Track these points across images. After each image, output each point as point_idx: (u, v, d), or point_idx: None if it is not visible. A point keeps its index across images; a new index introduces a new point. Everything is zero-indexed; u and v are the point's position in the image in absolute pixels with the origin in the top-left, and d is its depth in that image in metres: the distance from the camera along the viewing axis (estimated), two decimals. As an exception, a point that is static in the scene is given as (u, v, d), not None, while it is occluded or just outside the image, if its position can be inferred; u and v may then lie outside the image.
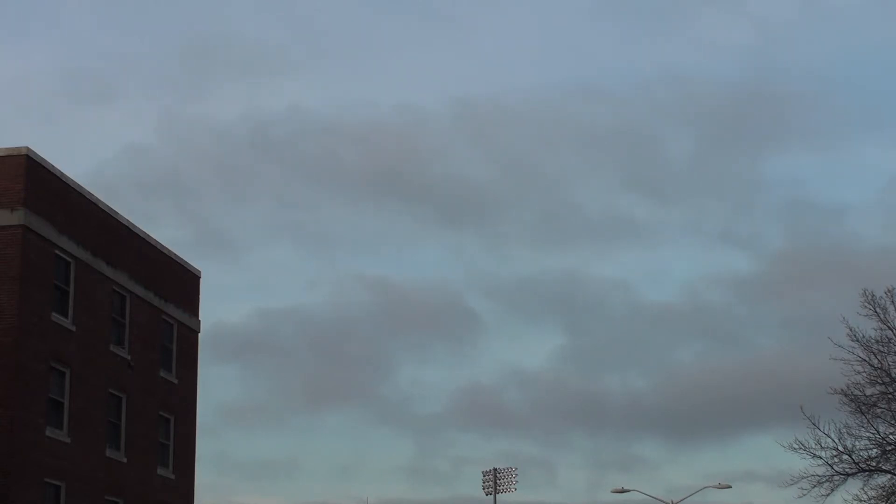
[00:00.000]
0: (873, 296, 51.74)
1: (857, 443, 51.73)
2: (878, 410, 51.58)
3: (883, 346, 51.62)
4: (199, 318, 55.25)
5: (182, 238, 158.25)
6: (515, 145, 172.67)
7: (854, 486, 52.18)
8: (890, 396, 51.42)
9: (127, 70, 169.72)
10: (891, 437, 51.75)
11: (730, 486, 77.40)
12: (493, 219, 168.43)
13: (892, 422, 51.76)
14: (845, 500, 52.37)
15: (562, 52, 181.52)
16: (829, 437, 51.48)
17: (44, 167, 42.15)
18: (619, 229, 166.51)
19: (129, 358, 47.66)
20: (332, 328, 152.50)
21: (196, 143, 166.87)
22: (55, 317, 42.56)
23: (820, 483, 51.50)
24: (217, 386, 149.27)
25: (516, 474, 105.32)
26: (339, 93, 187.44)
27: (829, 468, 51.60)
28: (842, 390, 51.49)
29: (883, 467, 51.83)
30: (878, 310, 51.58)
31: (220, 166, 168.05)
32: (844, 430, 51.60)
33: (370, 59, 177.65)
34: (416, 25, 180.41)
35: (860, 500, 51.75)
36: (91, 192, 45.47)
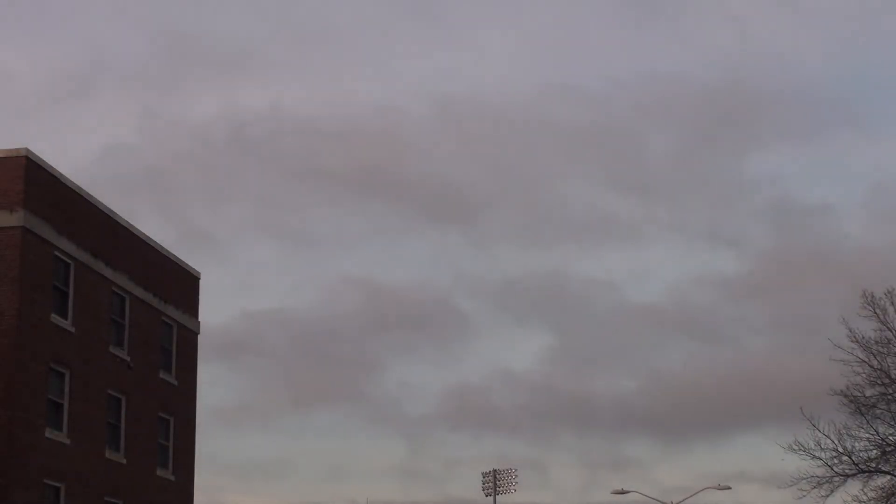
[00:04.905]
0: (873, 296, 51.77)
1: (856, 444, 51.76)
2: (878, 411, 51.59)
3: (882, 347, 51.62)
4: (199, 320, 55.24)
5: (164, 238, 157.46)
6: (498, 144, 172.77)
7: (854, 487, 52.21)
8: (889, 397, 51.42)
9: (106, 68, 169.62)
10: (890, 437, 51.76)
11: (729, 487, 77.41)
12: (477, 218, 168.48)
13: (892, 423, 51.78)
14: (845, 502, 52.40)
15: (544, 52, 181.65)
16: (829, 438, 51.50)
17: (43, 168, 42.13)
18: (604, 229, 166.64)
19: (128, 359, 47.64)
20: (318, 329, 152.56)
21: (176, 141, 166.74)
22: (55, 318, 42.55)
23: (820, 484, 51.49)
24: (205, 387, 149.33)
25: (516, 475, 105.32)
26: (320, 91, 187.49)
27: (829, 469, 51.59)
28: (841, 391, 51.52)
29: (882, 468, 51.83)
30: (877, 311, 51.59)
31: (201, 165, 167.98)
32: (844, 430, 51.63)
33: (351, 58, 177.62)
34: (398, 24, 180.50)
35: (860, 502, 51.76)
36: (91, 192, 45.44)
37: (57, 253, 42.84)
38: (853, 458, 51.66)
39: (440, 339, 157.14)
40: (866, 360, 51.57)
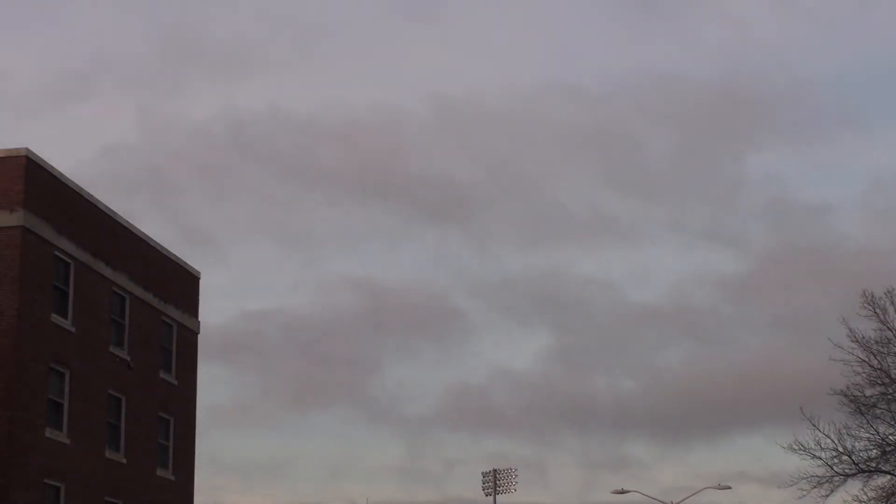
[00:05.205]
0: (873, 296, 51.76)
1: (856, 444, 51.75)
2: (878, 411, 51.58)
3: (882, 346, 51.61)
4: (199, 320, 55.23)
5: (163, 238, 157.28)
6: (496, 144, 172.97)
7: (854, 487, 52.20)
8: (889, 397, 51.41)
9: (106, 68, 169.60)
10: (890, 437, 51.75)
11: (729, 487, 77.56)
12: (476, 217, 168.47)
13: (892, 423, 51.76)
14: (845, 502, 52.39)
15: (542, 51, 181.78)
16: (829, 437, 51.49)
17: (43, 168, 42.13)
18: (602, 228, 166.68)
19: (128, 359, 47.65)
20: (318, 329, 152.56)
21: (175, 141, 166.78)
22: (55, 318, 42.55)
23: (820, 484, 51.47)
24: (205, 387, 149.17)
25: (516, 475, 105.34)
26: (319, 91, 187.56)
27: (829, 469, 51.57)
28: (841, 391, 51.50)
29: (882, 468, 51.82)
30: (877, 310, 51.58)
31: (200, 165, 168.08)
32: (844, 430, 51.62)
33: (349, 57, 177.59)
34: (397, 24, 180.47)
35: (860, 501, 51.75)
36: (91, 192, 45.44)
37: (57, 253, 42.84)
38: (853, 457, 51.65)
39: (440, 338, 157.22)
40: (866, 359, 51.57)
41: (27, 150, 41.21)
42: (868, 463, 51.78)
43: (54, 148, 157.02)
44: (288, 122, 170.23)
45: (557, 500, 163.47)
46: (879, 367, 51.44)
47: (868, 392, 51.48)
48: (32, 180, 41.45)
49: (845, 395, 51.32)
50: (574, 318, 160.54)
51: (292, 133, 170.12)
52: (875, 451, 51.71)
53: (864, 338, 51.60)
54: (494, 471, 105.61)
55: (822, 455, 51.47)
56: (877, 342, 51.58)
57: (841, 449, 51.48)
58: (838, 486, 51.82)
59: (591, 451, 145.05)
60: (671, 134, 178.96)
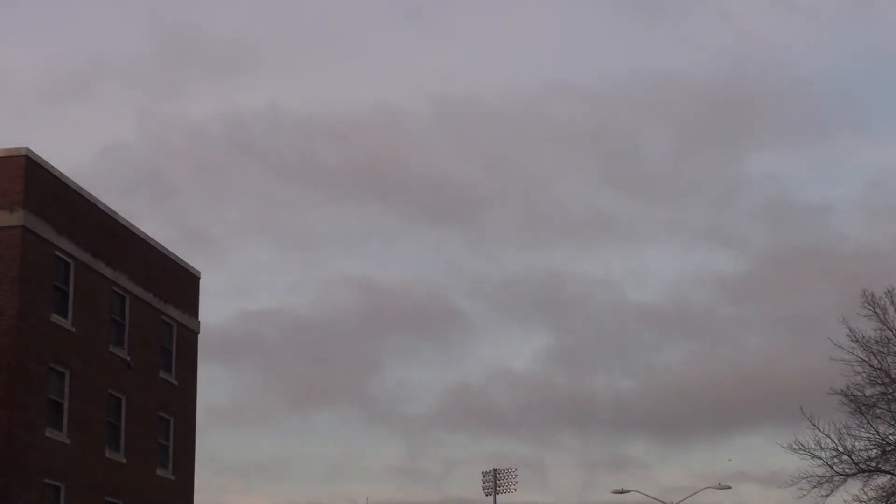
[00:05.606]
0: (873, 296, 51.75)
1: (856, 443, 51.73)
2: (878, 411, 51.56)
3: (882, 346, 51.60)
4: (199, 320, 55.22)
5: (163, 238, 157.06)
6: (496, 143, 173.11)
7: (854, 486, 52.19)
8: (889, 397, 51.39)
9: (105, 68, 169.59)
10: (890, 437, 51.73)
11: (729, 487, 77.65)
12: (476, 217, 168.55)
13: (892, 422, 51.75)
14: (845, 501, 52.38)
15: (542, 51, 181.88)
16: (829, 437, 51.48)
17: (43, 168, 42.13)
18: (602, 228, 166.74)
19: (128, 359, 47.64)
20: (317, 329, 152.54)
21: (174, 141, 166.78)
22: (55, 318, 42.54)
23: (820, 484, 51.46)
24: (205, 387, 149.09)
25: (516, 475, 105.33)
26: (318, 90, 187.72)
27: (829, 469, 51.55)
28: (841, 391, 51.50)
29: (882, 468, 51.80)
30: (877, 311, 51.57)
31: (200, 165, 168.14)
32: (844, 430, 51.61)
33: (349, 57, 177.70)
34: (396, 23, 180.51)
35: (860, 501, 51.74)
36: (91, 192, 45.43)
37: (57, 253, 42.83)
38: (853, 457, 51.63)
39: (439, 338, 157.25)
40: (866, 359, 51.56)
41: (27, 150, 41.20)
42: (868, 463, 51.77)
43: (54, 148, 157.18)
44: (288, 122, 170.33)
45: (557, 500, 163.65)
46: (879, 366, 51.43)
47: (868, 392, 51.47)
48: (32, 180, 41.44)
49: (845, 395, 51.31)
50: (574, 318, 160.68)
51: (292, 133, 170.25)
52: (875, 450, 51.71)
53: (864, 338, 51.62)
54: (494, 471, 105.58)
55: (822, 455, 51.48)
56: (877, 342, 51.57)
57: (841, 449, 51.48)
58: (838, 485, 51.81)
59: (591, 451, 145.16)
60: (671, 134, 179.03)
